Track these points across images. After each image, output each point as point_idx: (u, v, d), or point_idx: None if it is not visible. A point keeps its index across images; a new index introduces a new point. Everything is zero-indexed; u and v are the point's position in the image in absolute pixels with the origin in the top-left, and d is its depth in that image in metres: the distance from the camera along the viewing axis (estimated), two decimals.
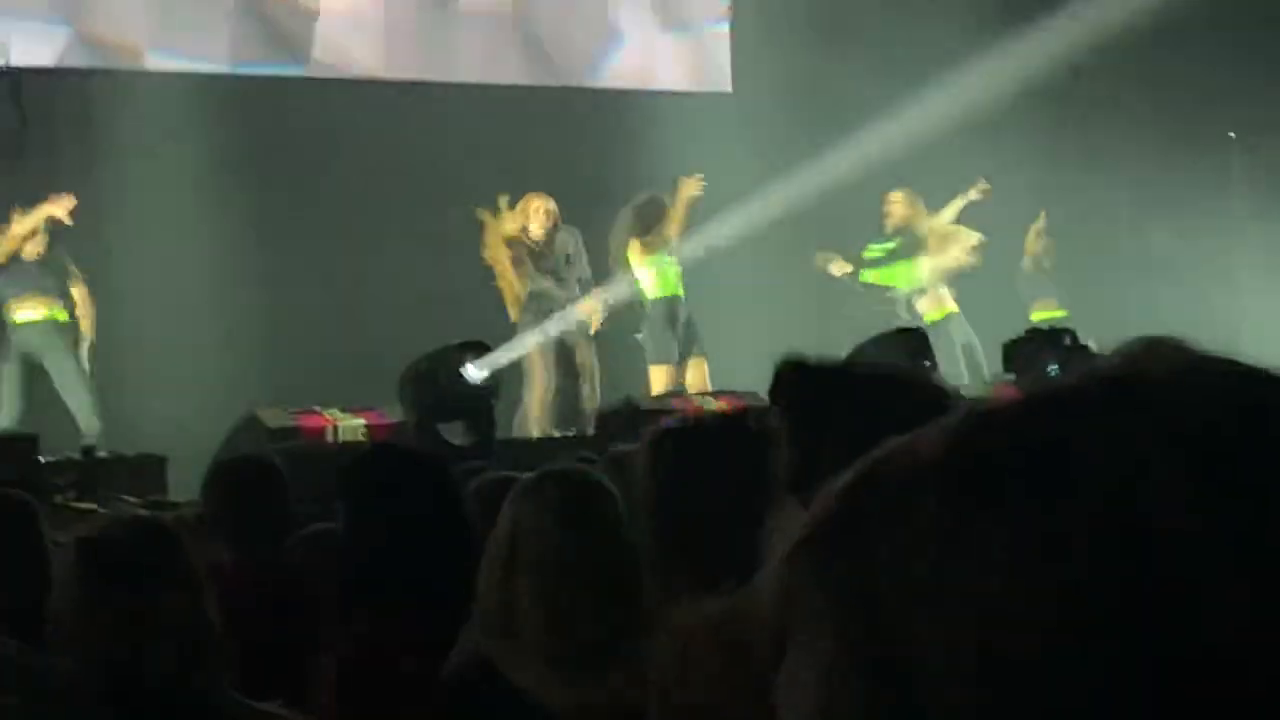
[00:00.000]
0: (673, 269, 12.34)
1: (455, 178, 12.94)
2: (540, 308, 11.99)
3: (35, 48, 12.65)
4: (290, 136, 13.01)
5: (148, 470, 9.86)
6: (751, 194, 12.32)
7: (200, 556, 3.21)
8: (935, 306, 13.65)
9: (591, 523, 3.23)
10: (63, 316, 11.50)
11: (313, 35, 13.61)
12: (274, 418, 10.15)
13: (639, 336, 12.30)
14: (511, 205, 12.15)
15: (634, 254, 12.22)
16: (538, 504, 3.26)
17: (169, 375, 12.27)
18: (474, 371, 10.22)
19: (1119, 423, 0.80)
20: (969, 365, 13.19)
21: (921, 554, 0.80)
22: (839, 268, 13.47)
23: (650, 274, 12.26)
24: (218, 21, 13.25)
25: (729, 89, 14.92)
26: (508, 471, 4.78)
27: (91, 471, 9.50)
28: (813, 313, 13.26)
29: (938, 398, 2.65)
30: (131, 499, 7.83)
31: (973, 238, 13.63)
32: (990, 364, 12.36)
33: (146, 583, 2.87)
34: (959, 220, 13.81)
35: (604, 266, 12.42)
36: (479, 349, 10.41)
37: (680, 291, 12.35)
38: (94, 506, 7.94)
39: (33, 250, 11.40)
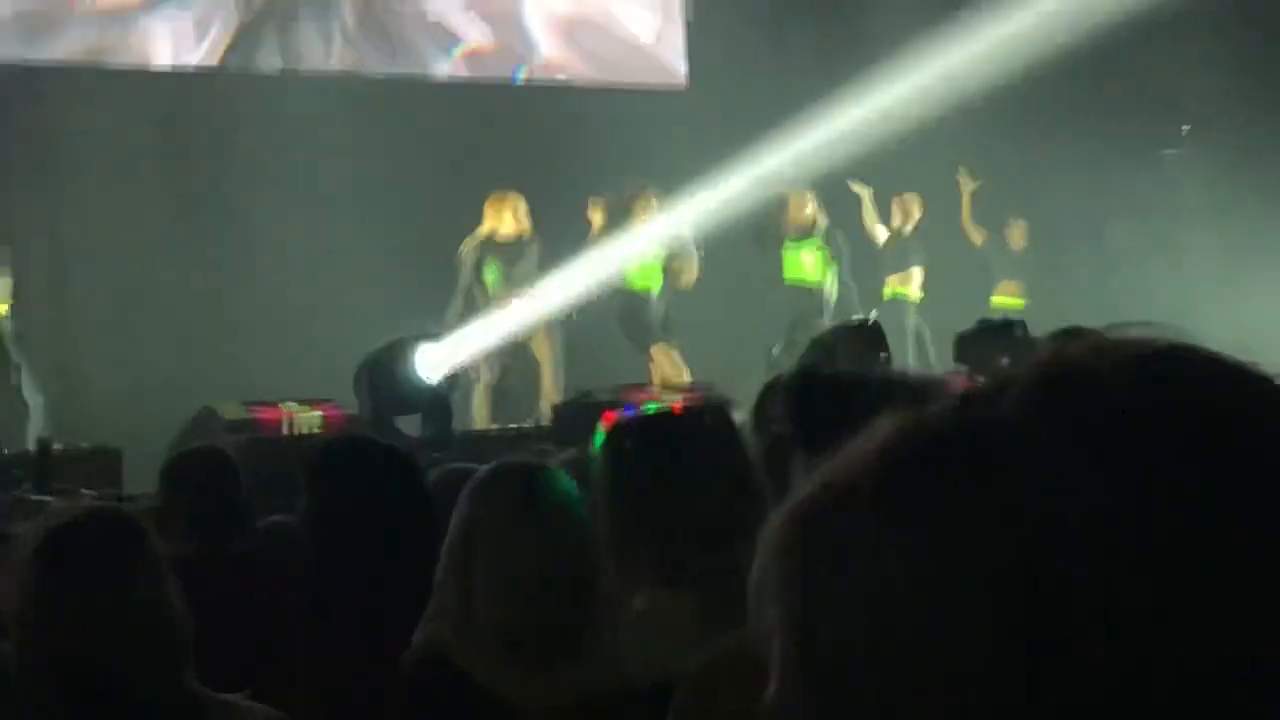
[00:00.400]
0: (652, 259, 12.51)
1: (410, 174, 12.94)
2: (493, 302, 12.05)
3: None
4: (244, 131, 12.98)
5: (103, 463, 9.83)
6: (703, 191, 12.45)
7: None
8: (901, 284, 13.85)
9: (548, 515, 3.24)
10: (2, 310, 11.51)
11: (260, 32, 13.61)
12: (230, 410, 10.15)
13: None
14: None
15: (619, 244, 12.41)
16: (494, 497, 3.27)
17: (124, 368, 12.25)
18: (430, 362, 10.22)
19: (1036, 425, 0.85)
20: (918, 353, 13.33)
21: (843, 563, 0.87)
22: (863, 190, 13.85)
23: (634, 265, 12.42)
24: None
25: (684, 85, 14.94)
26: (466, 464, 4.79)
27: (47, 465, 9.46)
28: (746, 305, 13.30)
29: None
30: (88, 491, 7.79)
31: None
32: (940, 353, 12.44)
33: (110, 574, 2.86)
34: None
35: (560, 260, 12.44)
36: (434, 341, 10.41)
37: (658, 284, 12.50)
38: (51, 499, 7.91)
39: None
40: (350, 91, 13.58)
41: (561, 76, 14.61)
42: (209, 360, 12.20)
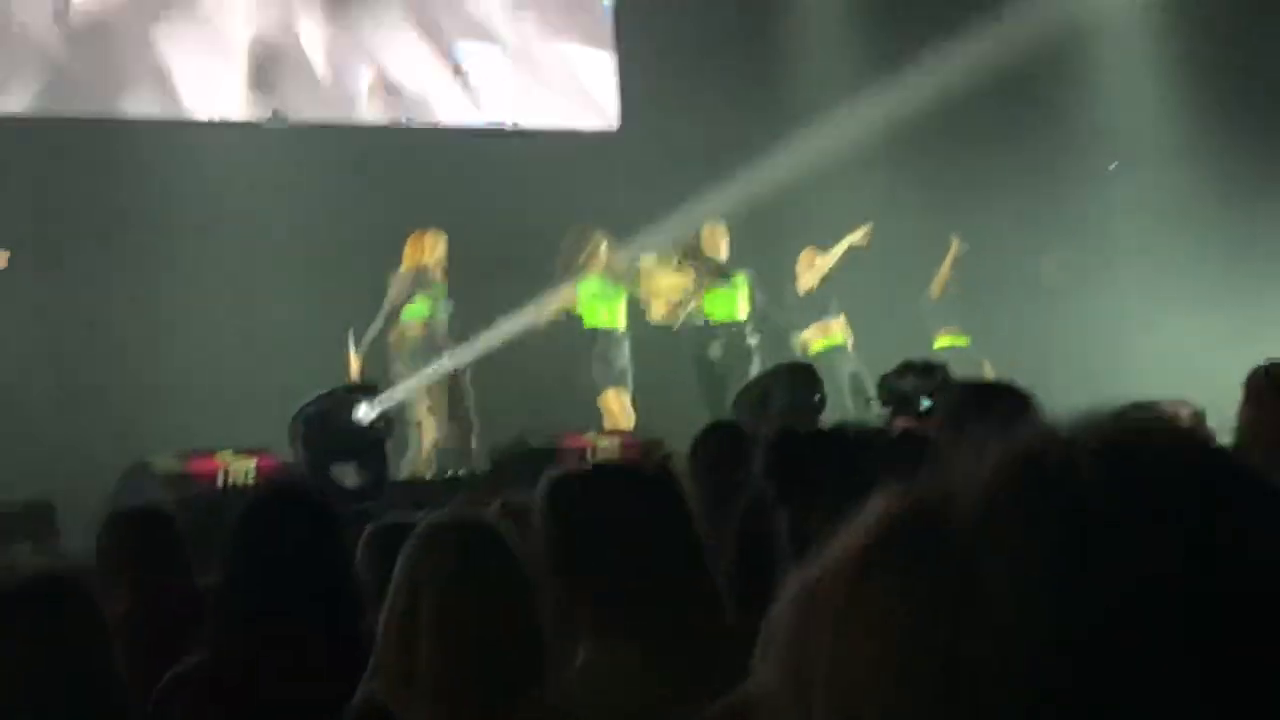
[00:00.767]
0: (616, 300, 12.49)
1: (343, 219, 12.94)
2: (420, 346, 12.04)
3: None
4: (179, 182, 12.95)
5: (37, 517, 9.77)
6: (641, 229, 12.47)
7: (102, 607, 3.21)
8: (822, 336, 13.72)
9: (489, 572, 3.25)
10: None
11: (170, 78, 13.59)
12: (164, 463, 10.10)
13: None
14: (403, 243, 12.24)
15: (583, 285, 12.38)
16: (435, 554, 3.27)
17: (57, 420, 12.18)
18: (365, 412, 10.22)
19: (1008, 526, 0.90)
20: (854, 395, 13.26)
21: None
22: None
23: (595, 305, 12.43)
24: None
25: (615, 126, 14.99)
26: (401, 516, 4.79)
27: None
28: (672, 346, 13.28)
29: (919, 450, 2.73)
30: (25, 545, 7.77)
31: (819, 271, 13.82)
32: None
33: (53, 638, 2.86)
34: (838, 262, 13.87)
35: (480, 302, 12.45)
36: (370, 390, 10.41)
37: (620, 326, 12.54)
38: None
39: None
40: (281, 138, 13.58)
41: (496, 120, 14.62)
42: (142, 409, 12.14)
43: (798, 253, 13.87)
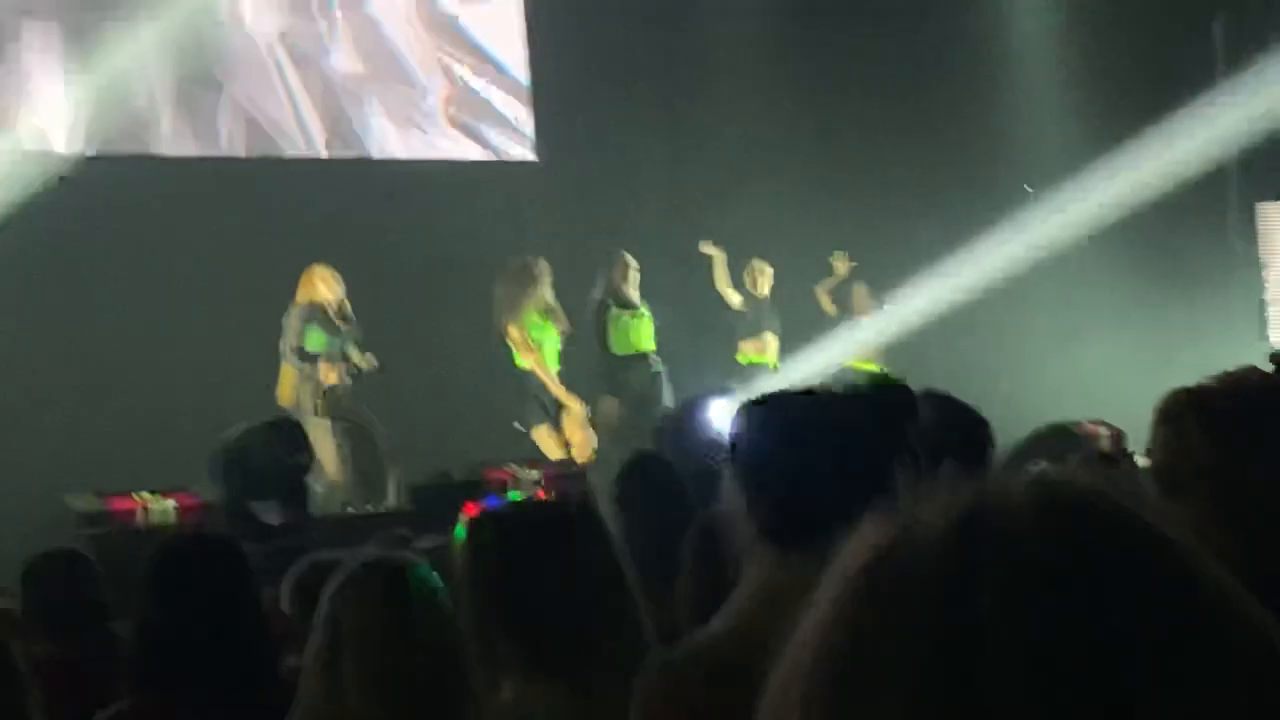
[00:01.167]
0: (554, 339, 12.44)
1: (261, 253, 12.86)
2: (319, 381, 11.98)
3: None
4: (91, 214, 12.85)
5: None
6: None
7: (22, 652, 3.19)
8: (755, 351, 13.80)
9: (412, 612, 3.24)
10: None
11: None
12: (83, 502, 10.02)
13: (516, 424, 12.34)
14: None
15: (516, 325, 12.30)
16: (359, 596, 3.27)
17: None
18: (287, 445, 10.15)
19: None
20: None
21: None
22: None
23: (530, 345, 12.35)
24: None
25: (534, 157, 14.99)
26: (327, 555, 4.77)
27: None
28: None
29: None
30: None
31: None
32: None
33: None
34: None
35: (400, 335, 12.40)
36: (291, 427, 10.35)
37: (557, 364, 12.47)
38: None
39: None
40: (196, 172, 13.50)
41: (413, 152, 14.59)
42: (58, 446, 12.03)
43: (708, 268, 13.90)
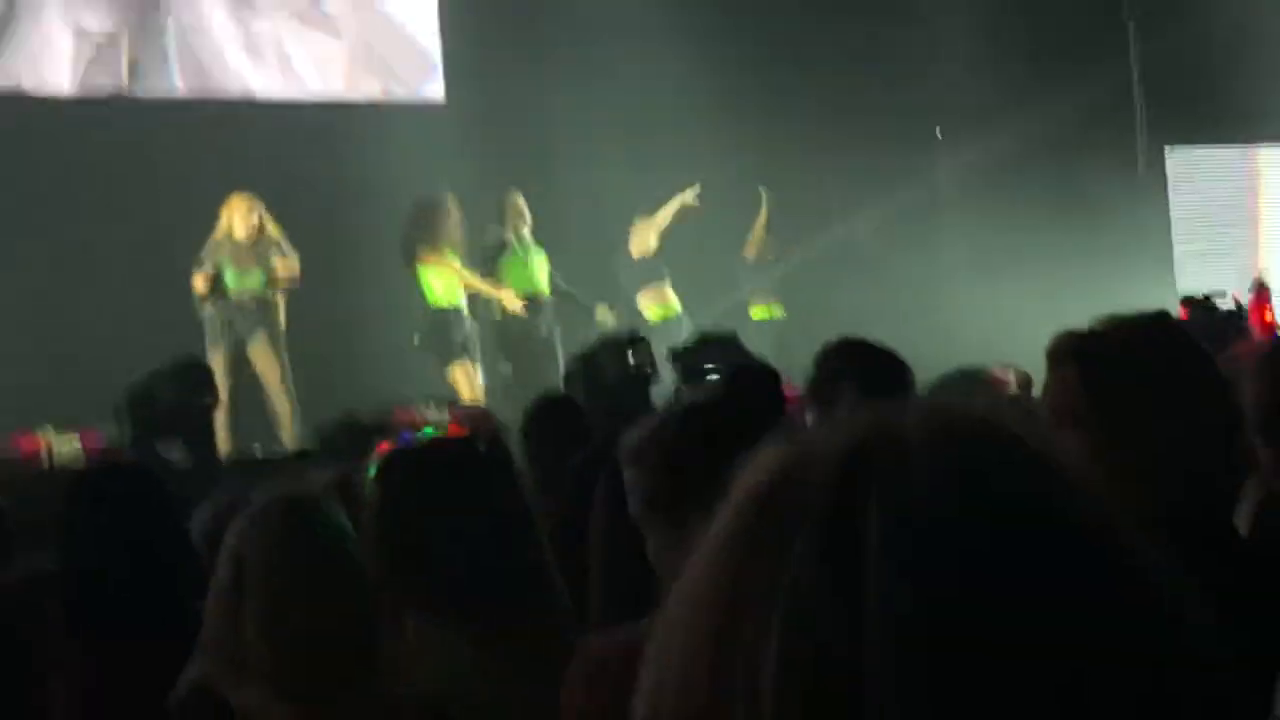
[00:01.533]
0: (457, 277, 12.39)
1: (163, 192, 12.72)
2: (227, 312, 11.94)
3: None
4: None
5: None
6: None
7: None
8: (659, 304, 13.73)
9: (316, 549, 3.21)
10: None
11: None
12: None
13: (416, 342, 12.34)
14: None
15: (423, 260, 12.26)
16: (260, 531, 3.23)
17: None
18: (193, 384, 10.07)
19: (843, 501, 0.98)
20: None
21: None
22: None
23: (438, 281, 12.33)
24: None
25: (442, 100, 14.89)
26: (233, 494, 4.73)
27: None
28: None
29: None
30: None
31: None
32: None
33: None
34: (672, 221, 13.85)
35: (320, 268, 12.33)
36: (198, 367, 10.27)
37: (462, 301, 12.45)
38: None
39: None
40: (97, 111, 13.33)
41: (320, 92, 14.47)
42: None
43: (621, 221, 13.84)
